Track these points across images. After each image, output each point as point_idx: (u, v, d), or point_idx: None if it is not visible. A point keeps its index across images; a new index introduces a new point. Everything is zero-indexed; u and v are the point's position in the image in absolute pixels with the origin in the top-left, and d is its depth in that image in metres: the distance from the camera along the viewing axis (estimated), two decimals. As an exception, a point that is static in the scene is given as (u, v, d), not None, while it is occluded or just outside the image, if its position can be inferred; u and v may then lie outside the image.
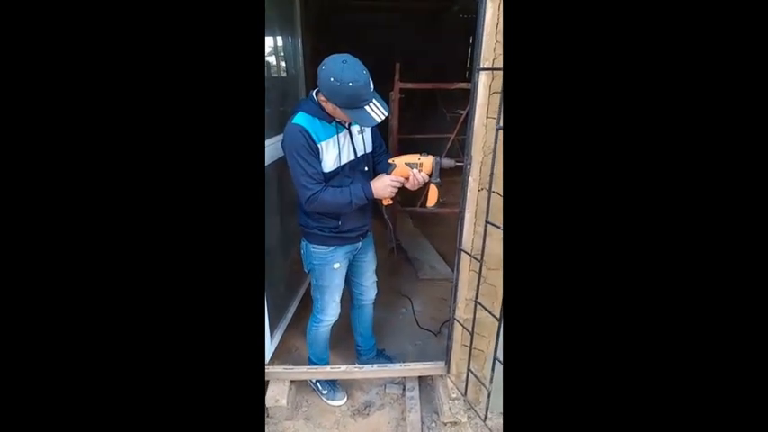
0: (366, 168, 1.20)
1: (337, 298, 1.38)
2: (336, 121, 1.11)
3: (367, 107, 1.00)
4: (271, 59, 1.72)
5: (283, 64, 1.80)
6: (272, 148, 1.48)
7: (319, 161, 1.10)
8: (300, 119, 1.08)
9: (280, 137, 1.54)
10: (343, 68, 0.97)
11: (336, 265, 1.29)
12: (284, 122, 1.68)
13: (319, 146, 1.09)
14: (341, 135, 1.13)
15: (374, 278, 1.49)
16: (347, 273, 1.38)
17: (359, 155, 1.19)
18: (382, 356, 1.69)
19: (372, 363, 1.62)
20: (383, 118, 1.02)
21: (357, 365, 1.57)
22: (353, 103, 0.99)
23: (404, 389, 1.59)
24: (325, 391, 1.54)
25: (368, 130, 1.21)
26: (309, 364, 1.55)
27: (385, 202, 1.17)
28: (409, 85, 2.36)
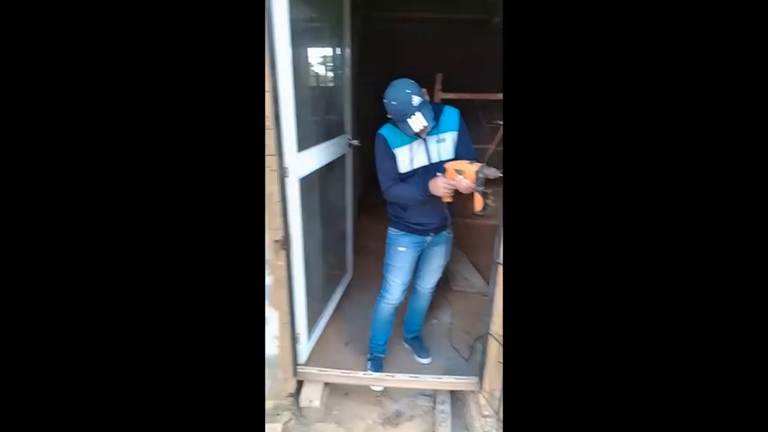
0: (439, 174, 1.30)
1: (400, 281, 1.50)
2: (414, 132, 1.27)
3: (408, 119, 1.19)
4: (319, 69, 1.79)
5: (332, 74, 1.86)
6: (320, 154, 1.53)
7: (395, 163, 1.34)
8: (384, 129, 1.34)
9: (327, 143, 1.61)
10: (390, 90, 1.22)
11: (401, 248, 1.46)
12: (331, 131, 1.76)
13: (394, 151, 1.32)
14: (414, 144, 1.32)
15: (437, 273, 1.59)
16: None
17: (432, 162, 1.34)
18: (416, 342, 1.75)
19: (409, 344, 1.75)
20: (420, 128, 1.20)
21: (388, 374, 1.57)
22: (398, 117, 1.21)
23: (434, 402, 1.57)
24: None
25: (449, 141, 1.34)
26: (369, 340, 1.65)
27: (444, 200, 1.30)
28: (449, 95, 2.36)
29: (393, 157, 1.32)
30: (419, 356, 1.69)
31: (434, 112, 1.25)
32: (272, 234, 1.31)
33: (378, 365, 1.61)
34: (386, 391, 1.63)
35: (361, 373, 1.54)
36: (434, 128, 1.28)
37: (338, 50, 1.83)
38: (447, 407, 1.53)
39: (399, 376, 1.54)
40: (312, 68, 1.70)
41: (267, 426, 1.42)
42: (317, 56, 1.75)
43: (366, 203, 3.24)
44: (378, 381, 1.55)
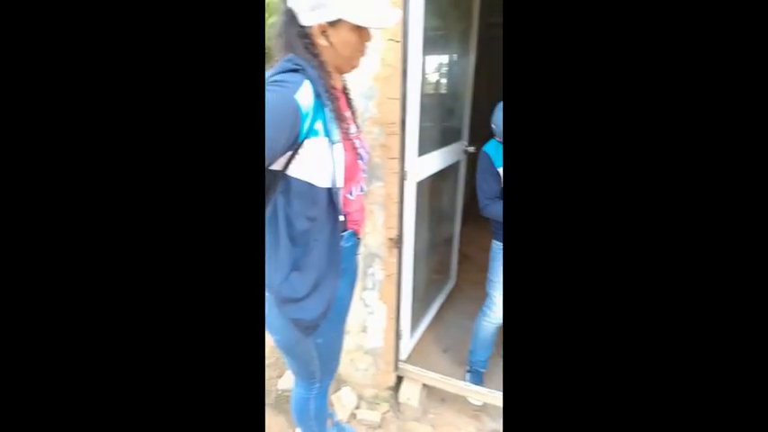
0: None
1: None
2: None
3: None
4: (442, 76, 1.83)
5: (454, 81, 1.88)
6: (437, 159, 1.57)
7: (497, 182, 1.32)
8: (488, 146, 1.34)
9: (445, 149, 1.64)
10: (497, 112, 1.24)
11: None
12: (449, 137, 1.78)
13: (498, 170, 1.30)
14: None
15: None
16: None
17: None
18: None
19: None
20: None
21: (489, 389, 1.50)
22: None
23: (538, 431, 1.45)
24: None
25: None
26: (469, 354, 1.59)
27: None
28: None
29: (496, 176, 1.29)
30: None
31: None
32: (387, 232, 1.39)
33: (478, 379, 1.56)
34: (484, 407, 1.56)
35: (462, 383, 1.51)
36: None
37: (462, 58, 1.85)
38: (553, 440, 1.39)
39: (500, 394, 1.47)
40: (436, 75, 1.76)
41: (368, 412, 1.50)
42: (442, 63, 1.80)
43: (469, 211, 3.17)
44: (477, 394, 1.50)
